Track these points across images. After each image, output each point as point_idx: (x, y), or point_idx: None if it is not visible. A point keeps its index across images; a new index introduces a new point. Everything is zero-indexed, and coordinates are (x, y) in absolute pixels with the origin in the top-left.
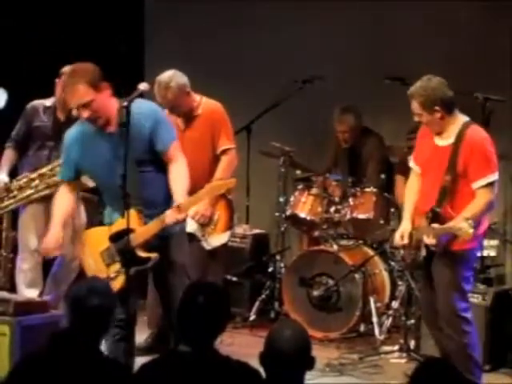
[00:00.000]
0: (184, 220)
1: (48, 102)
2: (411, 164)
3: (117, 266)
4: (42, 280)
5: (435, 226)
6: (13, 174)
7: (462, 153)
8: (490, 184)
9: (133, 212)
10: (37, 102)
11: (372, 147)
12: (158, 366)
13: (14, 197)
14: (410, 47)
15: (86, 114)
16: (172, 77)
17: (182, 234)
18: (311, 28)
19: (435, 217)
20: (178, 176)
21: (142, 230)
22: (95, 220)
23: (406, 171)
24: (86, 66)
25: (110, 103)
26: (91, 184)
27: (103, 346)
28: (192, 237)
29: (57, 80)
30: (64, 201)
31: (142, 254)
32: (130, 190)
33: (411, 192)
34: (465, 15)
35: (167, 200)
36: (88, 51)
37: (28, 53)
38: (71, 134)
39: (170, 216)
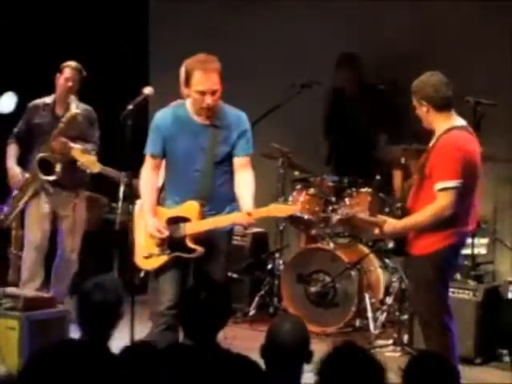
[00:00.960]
0: (248, 225)
1: (48, 99)
2: None
3: (163, 247)
4: (41, 274)
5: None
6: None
7: (432, 154)
8: (449, 189)
9: (195, 204)
10: (38, 100)
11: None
12: (161, 358)
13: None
14: (409, 48)
15: (211, 100)
16: None
17: (230, 236)
18: (311, 30)
19: (402, 212)
20: (247, 183)
21: (199, 223)
22: (101, 218)
23: (402, 167)
24: (215, 58)
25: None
26: (96, 169)
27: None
28: None
29: (58, 75)
30: (150, 179)
31: (190, 244)
32: (202, 183)
33: None
34: (465, 15)
35: (228, 202)
36: (93, 52)
37: (31, 54)
38: (164, 114)
39: (238, 217)
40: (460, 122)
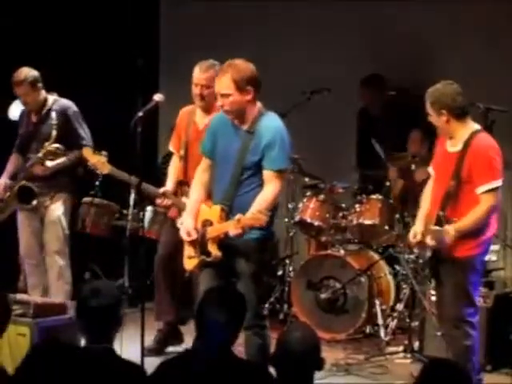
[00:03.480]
0: (240, 233)
1: None
2: (429, 169)
3: (196, 249)
4: (41, 282)
5: (433, 228)
6: None
7: (467, 159)
8: (493, 190)
9: (218, 207)
10: (23, 107)
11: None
12: (175, 364)
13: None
14: (420, 59)
15: (221, 102)
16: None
17: (254, 246)
18: (322, 40)
19: (439, 220)
20: (262, 196)
21: (216, 227)
22: (112, 225)
23: (406, 176)
24: (245, 66)
25: (247, 106)
26: (106, 171)
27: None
28: None
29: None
30: (198, 179)
31: (210, 247)
32: (227, 189)
33: (426, 196)
34: (479, 25)
35: None
36: (102, 59)
37: (39, 60)
38: (218, 115)
39: (229, 225)
40: (477, 126)
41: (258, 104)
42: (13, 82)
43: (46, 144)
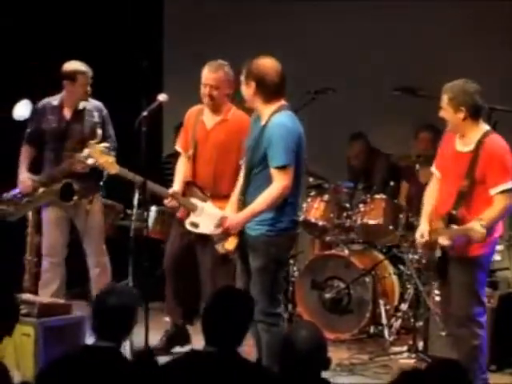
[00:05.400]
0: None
1: (54, 100)
2: (432, 168)
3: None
4: (58, 280)
5: (450, 227)
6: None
7: (480, 160)
8: (507, 191)
9: (234, 201)
10: (45, 101)
11: (380, 167)
12: (180, 364)
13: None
14: (422, 60)
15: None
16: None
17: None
18: (324, 40)
19: (451, 219)
20: (262, 195)
21: None
22: (116, 225)
23: (410, 178)
24: (262, 65)
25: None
26: (114, 171)
27: None
28: (208, 238)
29: (67, 81)
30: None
31: (229, 239)
32: (242, 184)
33: (430, 195)
34: (479, 25)
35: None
36: (106, 59)
37: (44, 59)
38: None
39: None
40: (487, 126)
41: (281, 102)
42: (83, 73)
43: (92, 142)
